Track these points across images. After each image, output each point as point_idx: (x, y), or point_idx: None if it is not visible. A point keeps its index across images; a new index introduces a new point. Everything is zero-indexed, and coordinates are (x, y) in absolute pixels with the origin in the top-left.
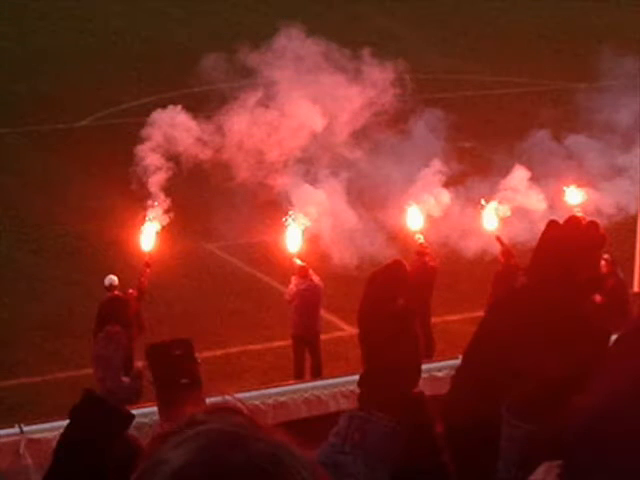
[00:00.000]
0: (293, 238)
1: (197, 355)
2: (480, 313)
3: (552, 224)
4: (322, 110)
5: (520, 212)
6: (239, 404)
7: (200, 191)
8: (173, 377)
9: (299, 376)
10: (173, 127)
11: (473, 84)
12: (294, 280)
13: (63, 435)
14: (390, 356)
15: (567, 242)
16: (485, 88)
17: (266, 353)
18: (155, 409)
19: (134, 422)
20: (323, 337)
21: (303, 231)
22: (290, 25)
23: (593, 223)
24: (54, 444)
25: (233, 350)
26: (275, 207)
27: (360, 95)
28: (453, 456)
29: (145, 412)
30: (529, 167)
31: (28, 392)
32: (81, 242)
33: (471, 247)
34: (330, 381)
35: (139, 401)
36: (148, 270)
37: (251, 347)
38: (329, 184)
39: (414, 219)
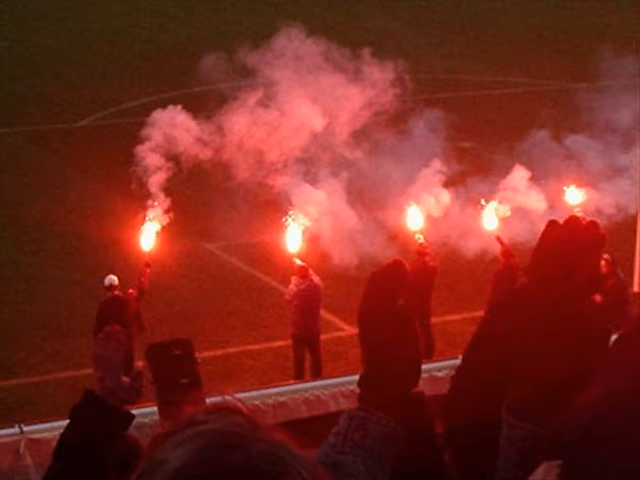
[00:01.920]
0: (293, 238)
1: (197, 355)
2: (480, 313)
3: (552, 224)
4: (322, 110)
5: (520, 212)
6: (239, 404)
7: (200, 191)
8: (173, 377)
9: (299, 376)
10: (173, 127)
11: (473, 84)
12: (294, 280)
13: (63, 435)
14: (390, 356)
15: (567, 242)
16: (485, 88)
17: (266, 353)
18: (155, 409)
19: (134, 422)
20: (323, 337)
21: (303, 231)
22: (290, 25)
23: (593, 223)
24: (54, 444)
25: (233, 350)
26: (275, 207)
27: (360, 95)
28: (453, 456)
29: (145, 412)
30: (529, 167)
31: (28, 392)
32: (81, 242)
33: (471, 247)
34: (330, 381)
35: (139, 401)
36: (148, 270)
37: (251, 347)
38: (329, 184)
39: (414, 219)
